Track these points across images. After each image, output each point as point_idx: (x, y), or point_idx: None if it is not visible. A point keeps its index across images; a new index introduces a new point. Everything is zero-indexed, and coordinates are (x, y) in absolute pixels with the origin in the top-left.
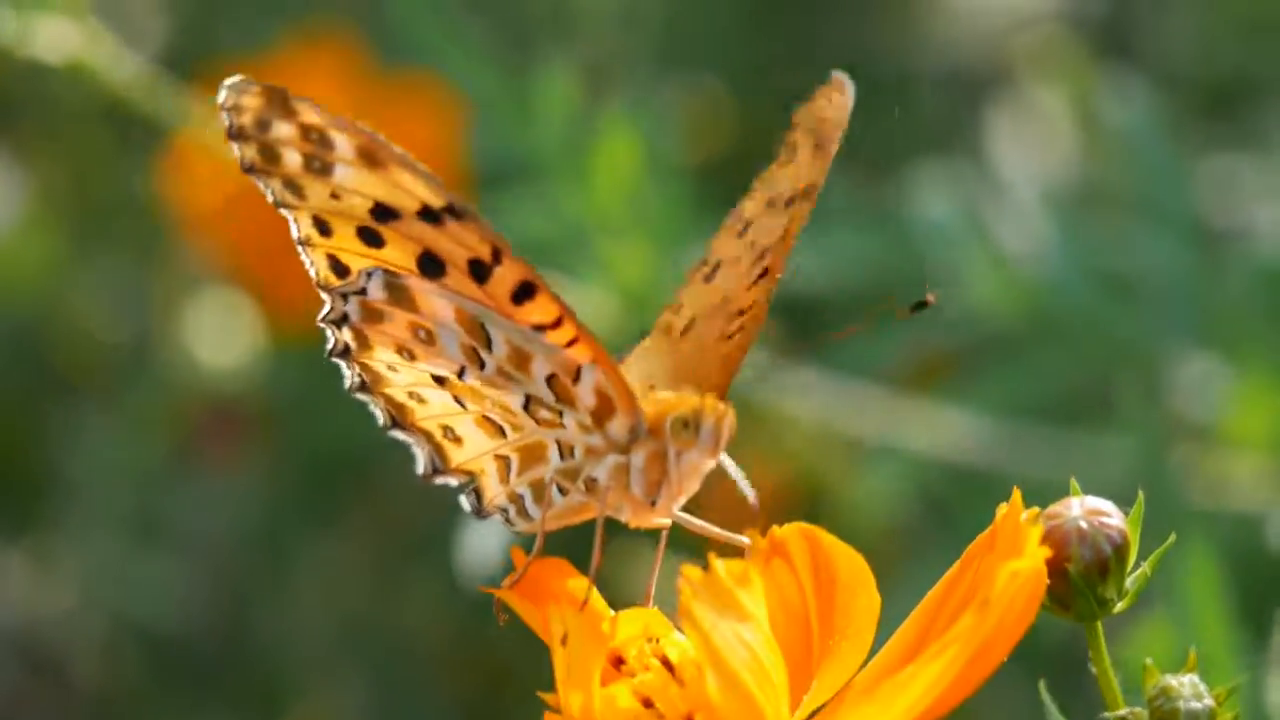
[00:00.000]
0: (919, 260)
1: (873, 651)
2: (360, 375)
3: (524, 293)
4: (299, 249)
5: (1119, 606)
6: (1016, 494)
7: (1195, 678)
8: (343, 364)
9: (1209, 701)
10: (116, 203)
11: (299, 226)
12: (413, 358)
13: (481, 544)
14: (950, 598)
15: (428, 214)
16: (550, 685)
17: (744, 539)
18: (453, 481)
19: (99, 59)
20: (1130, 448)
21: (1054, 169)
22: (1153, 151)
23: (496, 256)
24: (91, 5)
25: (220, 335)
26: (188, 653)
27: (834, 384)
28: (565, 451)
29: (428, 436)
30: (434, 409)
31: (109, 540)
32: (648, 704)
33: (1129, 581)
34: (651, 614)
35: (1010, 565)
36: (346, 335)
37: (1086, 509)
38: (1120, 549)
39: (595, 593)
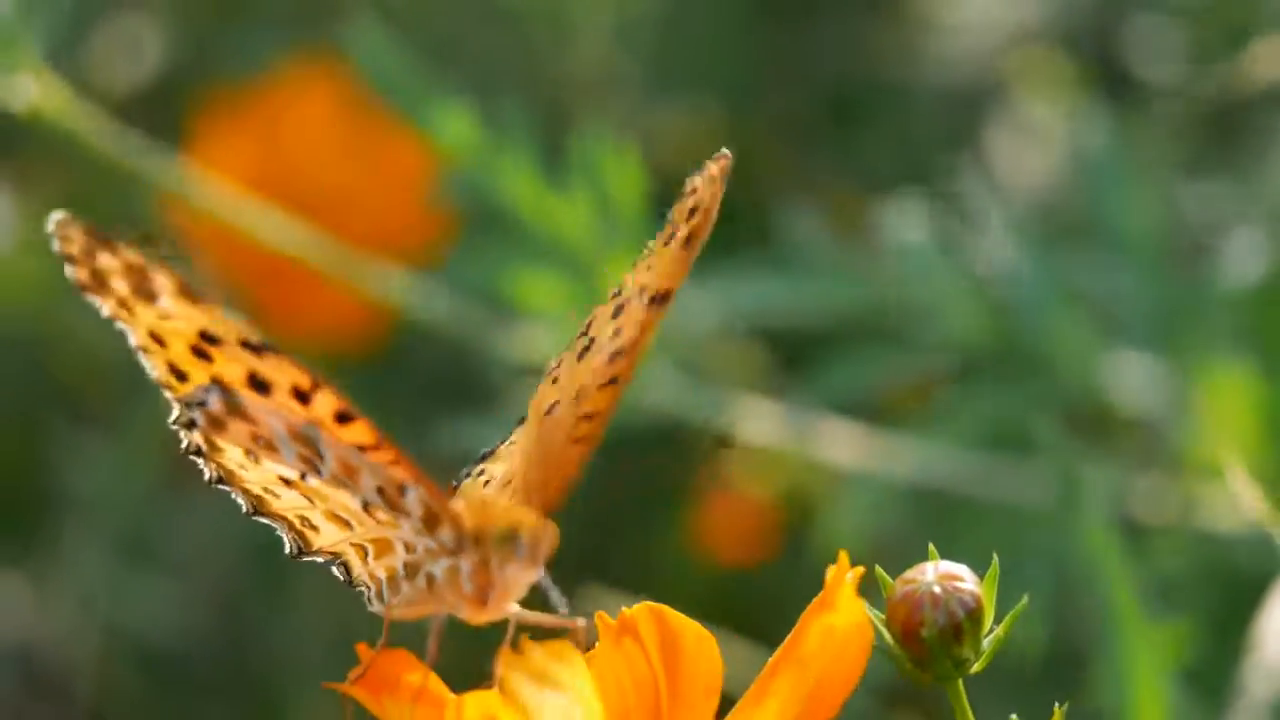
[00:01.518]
0: (894, 290)
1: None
2: (216, 471)
3: (344, 417)
4: (138, 354)
5: (976, 666)
6: (843, 554)
7: None
8: (199, 461)
9: None
10: (116, 222)
11: (135, 336)
12: (258, 460)
13: None
14: (786, 661)
15: (247, 344)
16: None
17: (579, 622)
18: (319, 559)
19: (58, 109)
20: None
21: (1043, 187)
22: (1126, 175)
23: (315, 385)
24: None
25: None
26: (186, 669)
27: (810, 413)
28: (408, 548)
29: (288, 524)
30: (287, 502)
31: (107, 558)
32: None
33: (985, 642)
34: (492, 697)
35: (822, 620)
36: (197, 438)
37: (940, 574)
38: (973, 612)
39: (437, 681)
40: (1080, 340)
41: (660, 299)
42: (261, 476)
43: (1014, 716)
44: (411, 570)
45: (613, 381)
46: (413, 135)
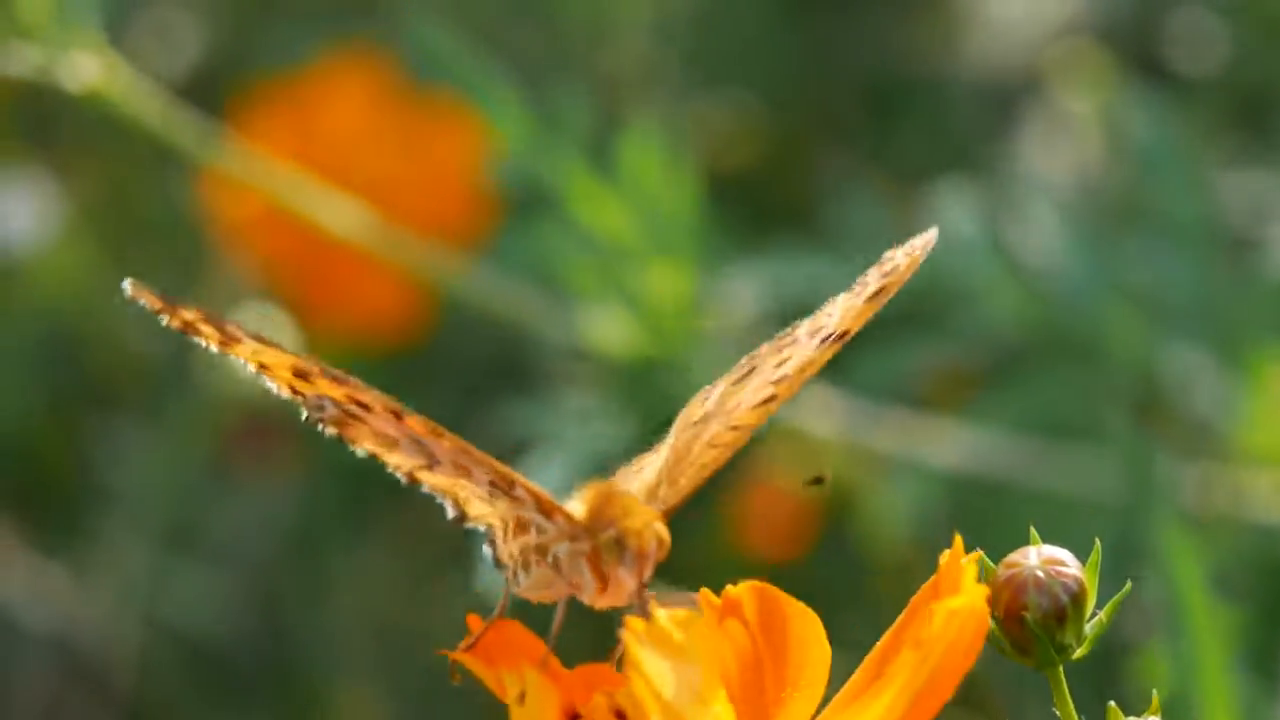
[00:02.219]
0: (939, 275)
1: (825, 702)
2: (363, 450)
3: (435, 432)
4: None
5: (1078, 652)
6: (958, 539)
7: None
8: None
9: None
10: (155, 216)
11: (249, 368)
12: (390, 450)
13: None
14: (898, 644)
15: (329, 375)
16: None
17: (694, 596)
18: (480, 528)
19: (119, 89)
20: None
21: (1082, 179)
22: (1172, 165)
23: (399, 409)
24: (126, 22)
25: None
26: (224, 660)
27: (855, 400)
28: (539, 530)
29: (446, 496)
30: (437, 481)
31: (146, 549)
32: None
33: (1088, 627)
34: (606, 671)
35: (945, 604)
36: (331, 431)
37: (1043, 558)
38: (1077, 596)
39: (553, 657)
40: (1128, 328)
41: (838, 338)
42: (401, 462)
43: (1112, 703)
44: (541, 550)
45: (769, 400)
46: (451, 126)
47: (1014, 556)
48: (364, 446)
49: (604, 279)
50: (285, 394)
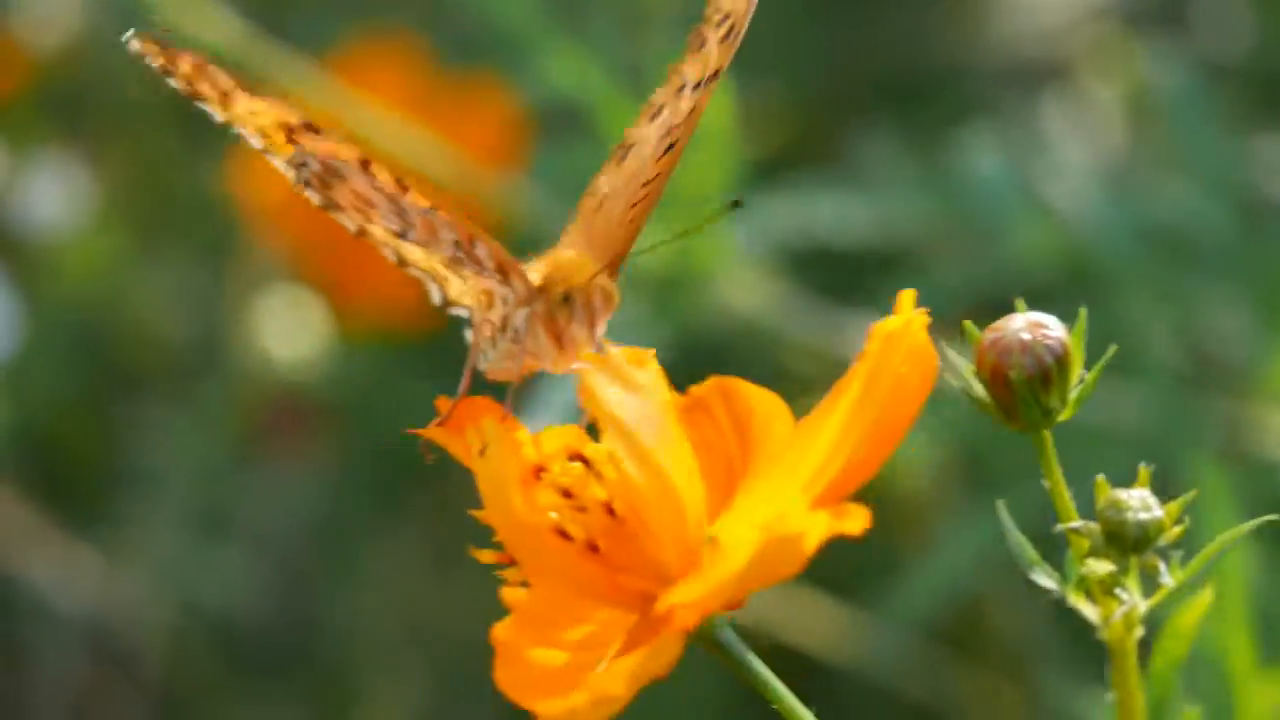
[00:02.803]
0: (966, 213)
1: None
2: (351, 224)
3: (402, 185)
4: (262, 153)
5: (1062, 415)
6: (908, 292)
7: (1145, 492)
8: (336, 216)
9: (1158, 513)
10: (185, 200)
11: (249, 135)
12: (370, 219)
13: None
14: (839, 392)
15: (309, 128)
16: None
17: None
18: (461, 313)
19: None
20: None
21: (1104, 149)
22: (1200, 116)
23: (367, 160)
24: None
25: (288, 330)
26: (255, 644)
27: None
28: (504, 301)
29: (427, 275)
30: (415, 255)
31: (178, 533)
32: (567, 495)
33: (1073, 393)
34: (571, 430)
35: (881, 325)
36: (317, 197)
37: (1028, 322)
38: (1061, 359)
39: (517, 421)
40: (1153, 266)
41: (710, 79)
42: (383, 235)
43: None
44: (504, 324)
45: (670, 148)
46: (482, 107)
47: (999, 322)
48: (348, 217)
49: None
50: (283, 166)
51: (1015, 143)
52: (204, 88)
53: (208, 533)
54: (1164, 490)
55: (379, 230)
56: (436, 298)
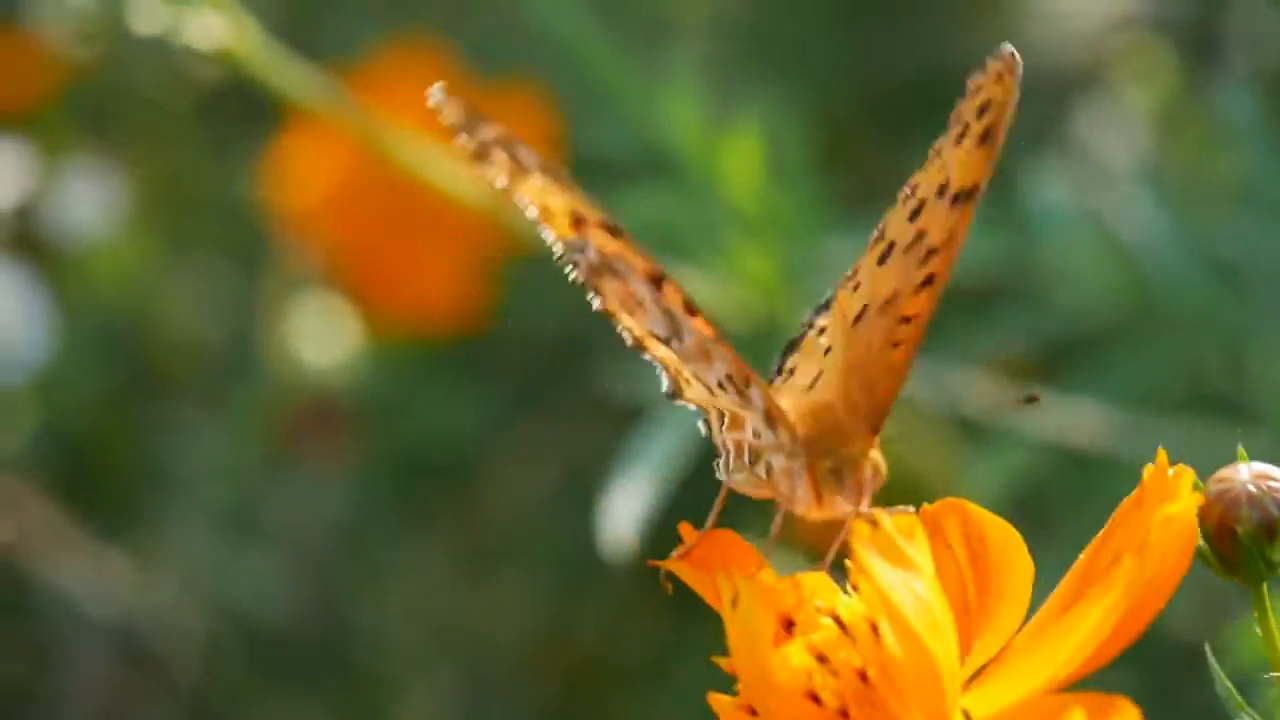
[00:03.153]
0: (1034, 249)
1: (1028, 616)
2: (604, 308)
3: (691, 309)
4: (538, 225)
5: None
6: (1162, 453)
7: None
8: (590, 295)
9: None
10: (216, 205)
11: (531, 207)
12: (633, 313)
13: (620, 515)
14: (1101, 555)
15: (606, 227)
16: (642, 683)
17: (905, 509)
18: (690, 407)
19: (246, 49)
20: (1258, 436)
21: (1145, 165)
22: (1260, 141)
23: (661, 275)
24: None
25: (318, 335)
26: (285, 647)
27: (948, 369)
28: (755, 434)
29: (666, 368)
30: (663, 353)
31: (208, 537)
32: (821, 659)
33: None
34: (820, 578)
35: (1164, 510)
36: (581, 277)
37: (1254, 473)
38: None
39: (767, 565)
40: (1222, 305)
41: (966, 196)
42: (638, 327)
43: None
44: (755, 455)
45: (929, 282)
46: (514, 113)
47: (1224, 472)
48: (605, 305)
49: (711, 242)
50: (555, 241)
51: (1068, 167)
52: (497, 156)
53: (238, 536)
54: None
55: (633, 323)
56: (668, 388)
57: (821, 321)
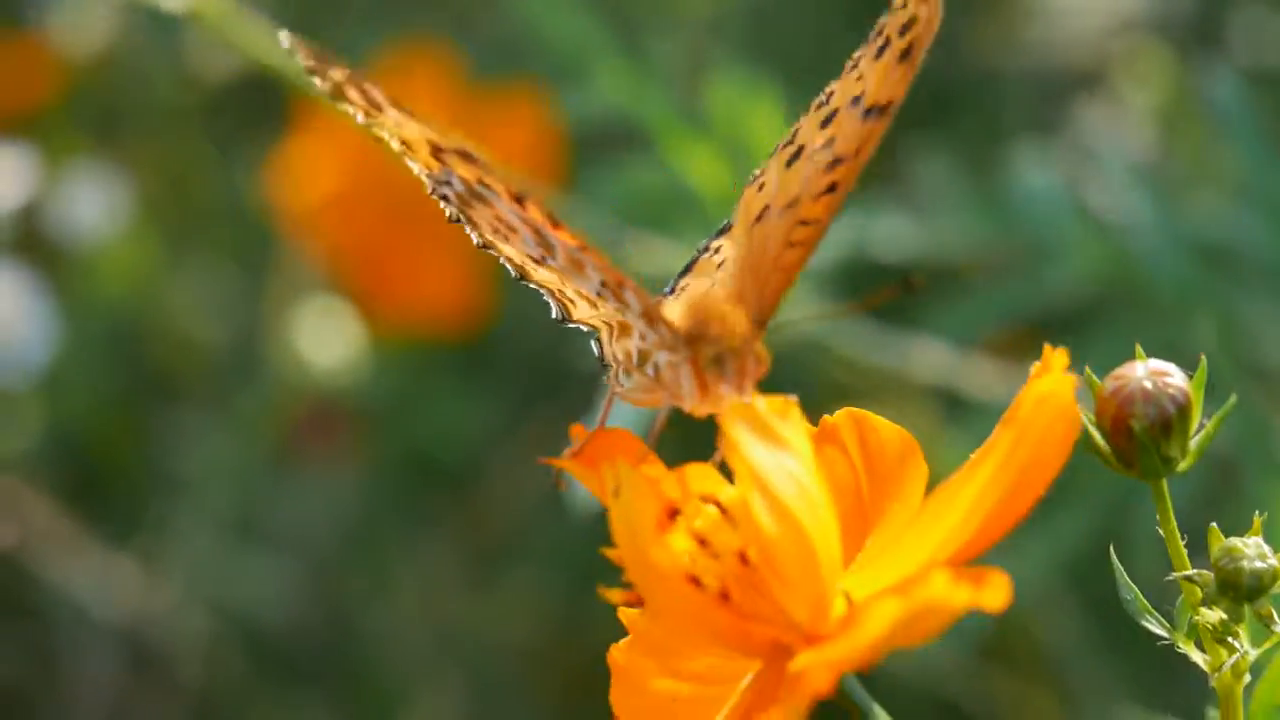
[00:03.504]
0: (1016, 229)
1: None
2: (479, 240)
3: (554, 222)
4: (403, 158)
5: (1182, 465)
6: (1047, 348)
7: (1260, 539)
8: (466, 227)
9: (1273, 561)
10: (219, 207)
11: (391, 141)
12: (507, 240)
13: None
14: (985, 453)
15: (462, 154)
16: None
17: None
18: (582, 328)
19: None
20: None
21: (1143, 156)
22: (1247, 129)
23: (524, 193)
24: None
25: (321, 337)
26: (289, 649)
27: (929, 346)
28: (642, 336)
29: (550, 293)
30: (544, 276)
31: (213, 539)
32: (702, 543)
33: (1192, 442)
34: (705, 470)
35: (1037, 386)
36: (453, 211)
37: (1151, 370)
38: (1183, 408)
39: (655, 459)
40: (1207, 287)
41: (879, 111)
42: (515, 253)
43: (1213, 525)
44: (643, 357)
45: (831, 189)
46: (517, 116)
47: (1121, 370)
48: (482, 234)
49: (692, 218)
50: (420, 172)
51: (1062, 156)
52: (352, 94)
53: (242, 538)
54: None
55: (511, 250)
56: (556, 314)
57: (717, 243)
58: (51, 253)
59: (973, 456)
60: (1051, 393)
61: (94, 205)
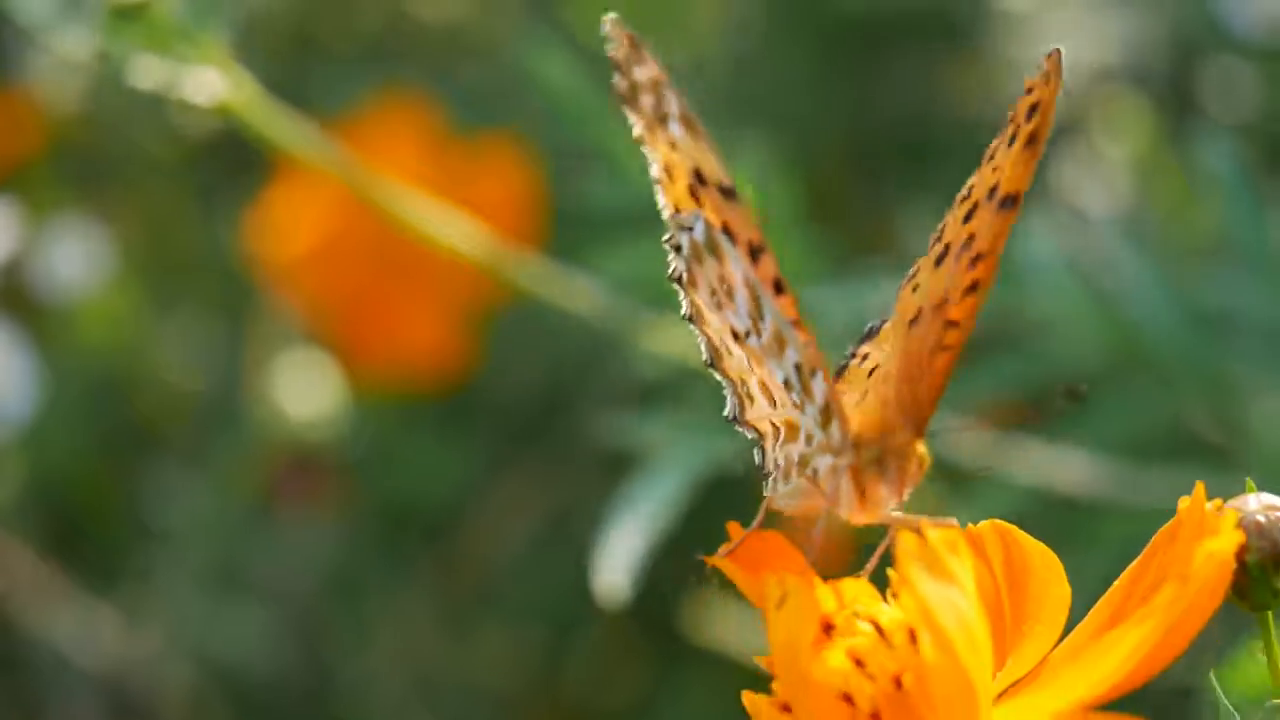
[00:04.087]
0: (1017, 297)
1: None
2: (690, 307)
3: (779, 287)
4: (656, 185)
5: None
6: (1199, 486)
7: None
8: (680, 291)
9: None
10: (200, 258)
11: (655, 165)
12: (719, 307)
13: (620, 553)
14: (1138, 584)
15: (723, 189)
16: None
17: (950, 520)
18: (747, 433)
19: (244, 103)
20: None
21: (1125, 214)
22: (1237, 193)
23: (763, 246)
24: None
25: (302, 388)
26: (270, 698)
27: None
28: (809, 438)
29: (733, 386)
30: (735, 362)
31: (194, 589)
32: (859, 664)
33: None
34: (861, 585)
35: (1208, 544)
36: (680, 265)
37: (1263, 504)
38: None
39: (811, 569)
40: (1206, 356)
41: (1009, 202)
42: (720, 326)
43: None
44: (804, 462)
45: (973, 288)
46: (497, 165)
47: (1233, 502)
48: (694, 300)
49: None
50: (665, 209)
51: (1054, 219)
52: (645, 100)
53: (223, 588)
54: None
55: (718, 322)
56: (730, 411)
57: (865, 350)
58: (33, 306)
59: (1120, 588)
60: (1221, 551)
61: (76, 258)
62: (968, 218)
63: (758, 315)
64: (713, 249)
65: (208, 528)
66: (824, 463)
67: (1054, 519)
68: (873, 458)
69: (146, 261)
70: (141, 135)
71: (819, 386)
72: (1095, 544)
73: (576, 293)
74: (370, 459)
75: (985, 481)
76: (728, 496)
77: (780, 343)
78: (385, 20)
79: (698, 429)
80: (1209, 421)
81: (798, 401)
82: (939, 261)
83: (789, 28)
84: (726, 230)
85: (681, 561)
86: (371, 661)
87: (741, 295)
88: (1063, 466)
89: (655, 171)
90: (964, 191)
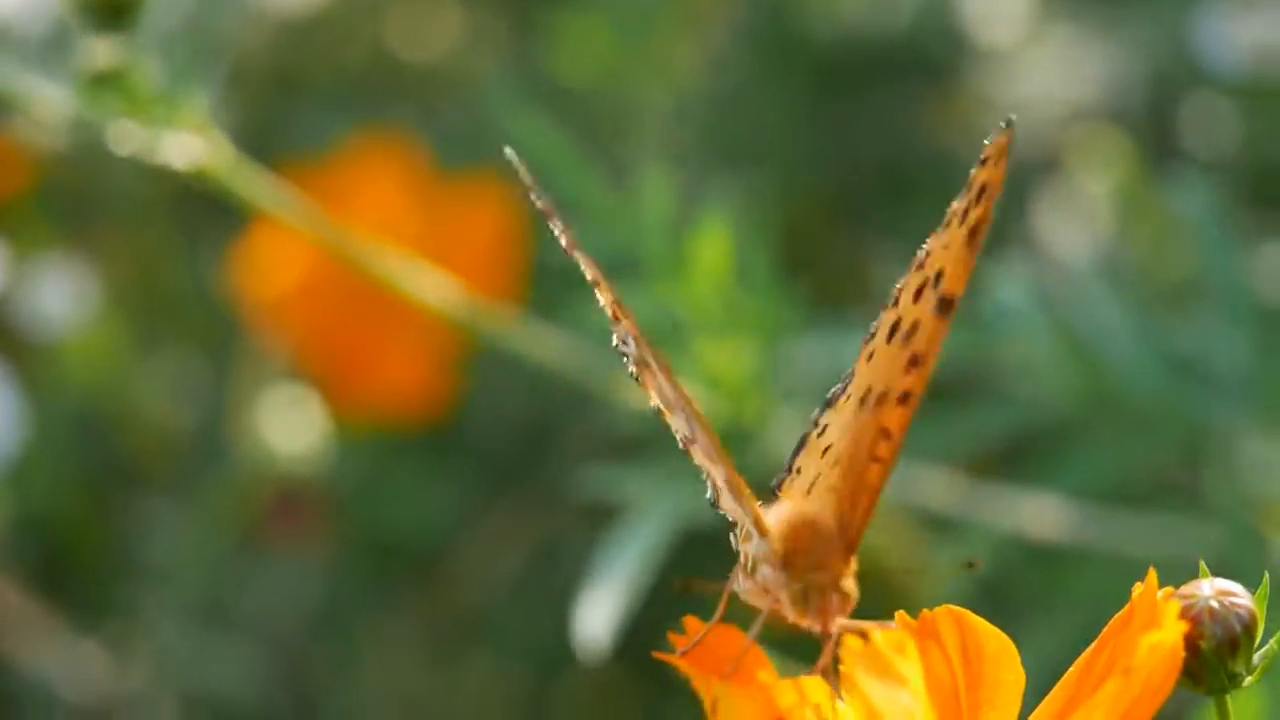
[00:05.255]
0: (991, 344)
1: None
2: (653, 405)
3: (700, 421)
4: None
5: (1248, 680)
6: (1152, 574)
7: None
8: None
9: None
10: (185, 295)
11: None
12: (670, 413)
13: (594, 616)
14: (1091, 672)
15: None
16: None
17: (893, 624)
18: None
19: (223, 167)
20: (1215, 529)
21: (1103, 255)
22: (1212, 236)
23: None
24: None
25: (287, 424)
26: None
27: (910, 464)
28: (756, 543)
29: (706, 474)
30: (696, 458)
31: (180, 624)
32: None
33: (1256, 657)
34: (814, 683)
35: (1151, 637)
36: (632, 369)
37: (1217, 589)
38: (1249, 627)
39: (766, 665)
40: (1182, 402)
41: (946, 305)
42: (675, 425)
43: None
44: (754, 565)
45: (905, 398)
46: (479, 207)
47: (1187, 589)
48: (654, 402)
49: (678, 348)
50: (607, 307)
51: (1030, 262)
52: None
53: (209, 623)
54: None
55: (671, 420)
56: (709, 496)
57: (825, 420)
58: (19, 343)
59: (1075, 673)
60: (1165, 643)
61: (61, 295)
62: (917, 296)
63: (691, 431)
64: (644, 366)
65: (194, 563)
66: (766, 571)
67: (1029, 567)
68: (799, 591)
69: (132, 299)
70: (126, 174)
71: (745, 508)
72: (1070, 594)
73: (552, 348)
74: (356, 493)
75: (960, 529)
76: (712, 538)
77: (712, 460)
78: (366, 60)
79: (678, 481)
80: (1184, 467)
81: (736, 509)
82: (890, 336)
83: (769, 67)
84: (652, 353)
85: (666, 603)
86: (358, 695)
87: (680, 409)
88: (1037, 513)
89: (606, 311)
90: (920, 259)
